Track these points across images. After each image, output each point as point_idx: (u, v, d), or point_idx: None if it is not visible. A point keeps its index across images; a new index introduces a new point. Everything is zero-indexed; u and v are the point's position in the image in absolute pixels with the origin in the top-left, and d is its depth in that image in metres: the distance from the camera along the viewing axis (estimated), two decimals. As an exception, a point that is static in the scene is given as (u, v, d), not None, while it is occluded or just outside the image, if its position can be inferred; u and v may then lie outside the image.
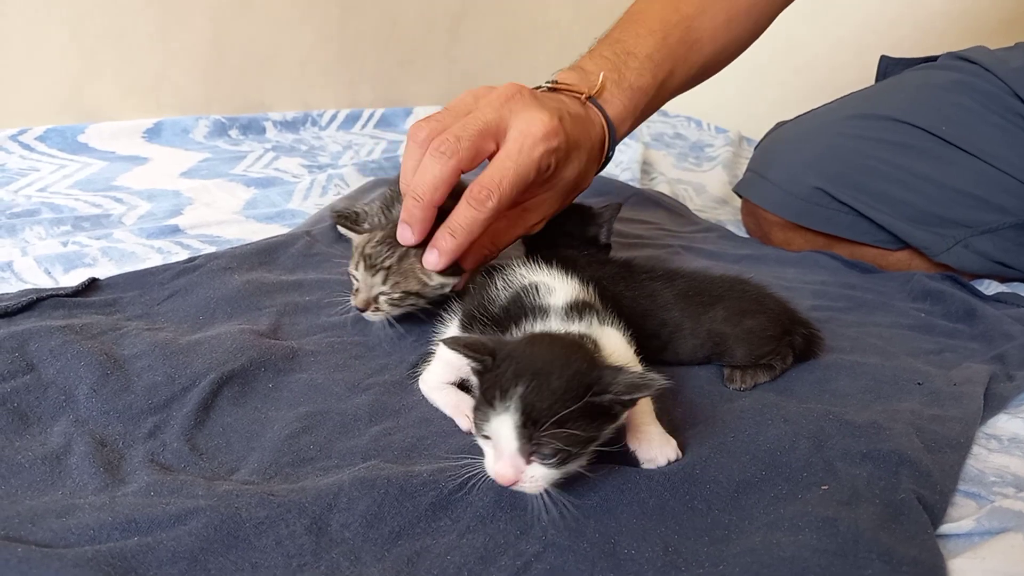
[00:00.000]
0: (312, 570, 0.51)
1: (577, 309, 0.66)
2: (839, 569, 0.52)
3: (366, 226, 0.90)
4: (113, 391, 0.67)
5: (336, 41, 1.79)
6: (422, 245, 0.77)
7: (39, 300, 0.77)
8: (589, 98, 0.88)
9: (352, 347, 0.80)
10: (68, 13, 1.39)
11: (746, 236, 1.37)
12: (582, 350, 0.58)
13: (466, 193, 0.73)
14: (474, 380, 0.60)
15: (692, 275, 0.86)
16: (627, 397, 0.55)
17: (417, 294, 0.80)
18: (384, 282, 0.79)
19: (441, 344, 0.73)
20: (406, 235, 0.76)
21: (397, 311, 0.81)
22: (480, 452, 0.64)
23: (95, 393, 0.66)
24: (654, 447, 0.64)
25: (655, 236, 1.24)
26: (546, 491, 0.56)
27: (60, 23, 1.38)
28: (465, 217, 0.73)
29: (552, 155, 0.76)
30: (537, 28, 2.20)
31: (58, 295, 0.79)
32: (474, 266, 0.81)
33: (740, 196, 1.39)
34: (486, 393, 0.55)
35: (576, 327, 0.64)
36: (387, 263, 0.79)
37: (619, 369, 0.56)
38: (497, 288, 0.71)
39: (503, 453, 0.54)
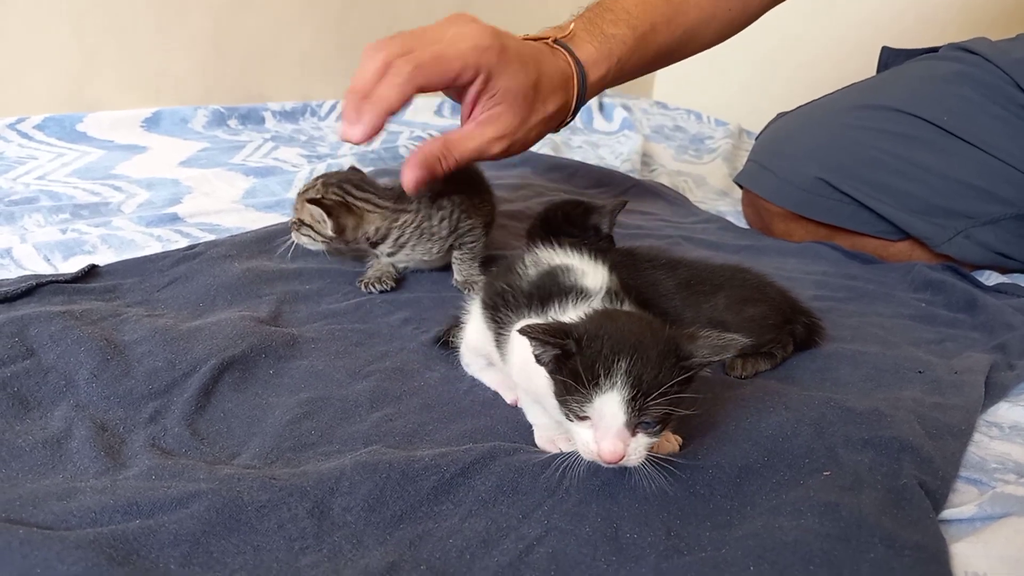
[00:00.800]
0: (314, 553, 0.51)
1: (614, 295, 0.66)
2: (842, 553, 0.51)
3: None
4: (113, 376, 0.66)
5: (336, 35, 1.78)
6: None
7: (39, 286, 0.77)
8: (556, 41, 0.94)
9: (352, 334, 0.80)
10: (70, 5, 1.39)
11: (747, 227, 1.36)
12: (655, 321, 0.59)
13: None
14: (526, 365, 0.60)
15: (694, 264, 0.85)
16: (714, 359, 0.56)
17: (311, 227, 0.90)
18: (293, 208, 0.93)
19: (470, 323, 0.73)
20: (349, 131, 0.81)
21: (304, 240, 0.92)
22: (482, 436, 0.64)
23: (95, 378, 0.66)
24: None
25: (655, 227, 1.24)
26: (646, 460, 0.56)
27: (62, 15, 1.38)
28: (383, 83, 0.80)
29: (480, 53, 0.83)
30: (536, 21, 2.18)
31: (58, 281, 0.78)
32: (426, 177, 0.85)
33: (741, 187, 1.38)
34: (584, 375, 0.54)
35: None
36: (297, 193, 0.93)
37: (692, 335, 0.57)
38: (525, 265, 0.71)
39: (609, 430, 0.54)
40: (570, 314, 0.63)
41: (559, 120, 0.97)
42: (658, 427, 0.55)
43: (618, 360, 0.54)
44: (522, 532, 0.54)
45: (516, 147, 0.91)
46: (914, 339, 0.91)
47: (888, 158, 1.20)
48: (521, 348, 0.60)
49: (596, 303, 0.64)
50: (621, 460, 0.55)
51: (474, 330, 0.73)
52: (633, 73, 1.05)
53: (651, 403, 0.53)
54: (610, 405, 0.54)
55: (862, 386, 0.78)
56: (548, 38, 0.93)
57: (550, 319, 0.64)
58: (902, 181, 1.18)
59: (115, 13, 1.44)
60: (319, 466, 0.58)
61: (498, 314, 0.68)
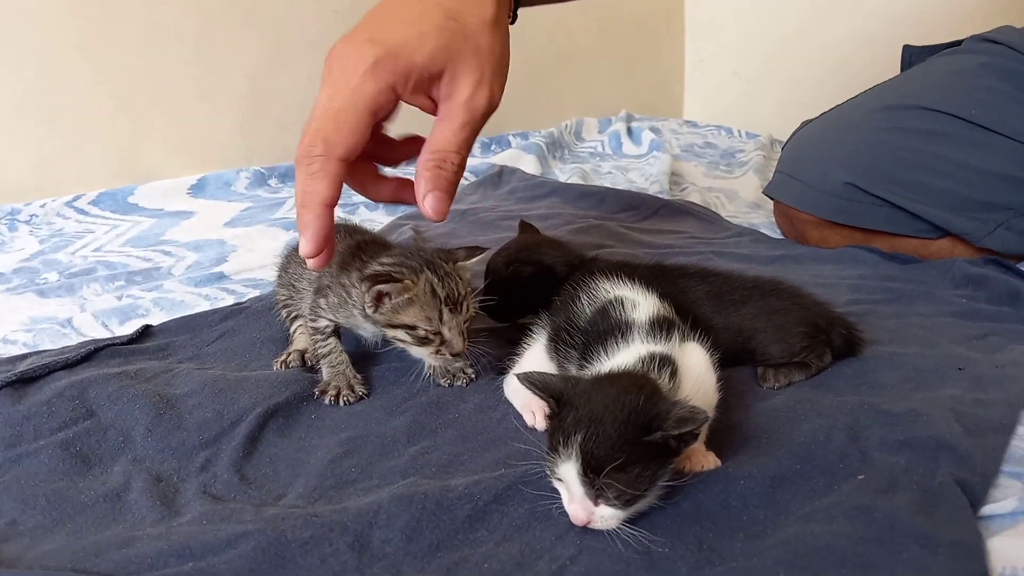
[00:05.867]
0: (356, 585, 0.53)
1: (661, 325, 0.68)
2: (875, 555, 0.51)
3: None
4: (167, 429, 0.71)
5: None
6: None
7: (97, 350, 0.82)
8: None
9: (389, 373, 0.83)
10: (116, 84, 1.49)
11: (781, 238, 1.36)
12: (641, 389, 0.58)
13: None
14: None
15: (725, 274, 0.86)
16: (676, 432, 0.56)
17: None
18: None
19: (531, 350, 0.77)
20: None
21: None
22: (515, 462, 0.66)
23: (150, 433, 0.70)
24: (694, 462, 0.64)
25: (686, 244, 1.25)
26: (617, 528, 0.56)
27: (109, 95, 1.48)
28: None
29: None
30: (562, 55, 2.24)
31: (114, 344, 0.84)
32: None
33: (771, 198, 1.38)
34: (552, 439, 0.58)
35: (660, 346, 0.66)
36: None
37: (675, 403, 0.58)
38: (582, 303, 0.74)
39: (573, 496, 0.57)
40: (616, 358, 0.65)
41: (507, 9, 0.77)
42: (620, 501, 0.55)
43: (575, 432, 0.55)
44: (556, 553, 0.55)
45: (498, 82, 0.73)
46: (956, 336, 0.89)
47: (919, 157, 1.18)
48: None
49: (640, 337, 0.66)
50: (588, 524, 0.56)
51: (534, 360, 0.76)
52: None
53: (604, 479, 0.54)
54: (569, 474, 0.56)
55: (901, 388, 0.77)
56: None
57: (596, 363, 0.67)
58: (935, 179, 1.17)
59: (158, 84, 1.54)
60: (359, 501, 0.61)
61: (559, 347, 0.72)
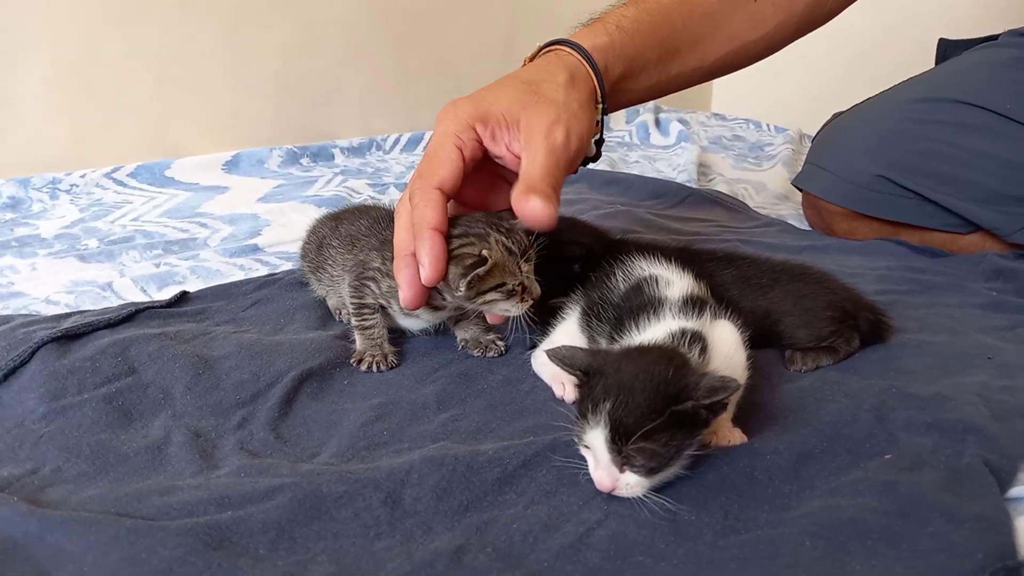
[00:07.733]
0: (388, 538, 0.55)
1: (693, 303, 0.69)
2: (900, 528, 0.52)
3: None
4: (205, 388, 0.73)
5: (393, 71, 1.87)
6: None
7: (138, 312, 0.85)
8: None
9: (419, 345, 0.84)
10: (151, 62, 1.52)
11: (808, 229, 1.35)
12: (671, 361, 0.59)
13: None
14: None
15: (752, 258, 0.87)
16: (707, 400, 0.56)
17: None
18: None
19: (564, 324, 0.78)
20: None
21: None
22: (543, 431, 0.67)
23: (189, 391, 0.72)
24: (720, 436, 0.65)
25: (712, 233, 1.25)
26: (643, 496, 0.57)
27: (144, 71, 1.51)
28: None
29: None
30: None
31: (154, 307, 0.86)
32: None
33: (800, 189, 1.38)
34: (581, 406, 0.59)
35: (691, 323, 0.67)
36: None
37: (704, 375, 0.58)
38: (617, 279, 0.75)
39: (600, 463, 0.58)
40: (646, 332, 0.66)
41: (590, 97, 0.82)
42: (647, 469, 0.56)
43: (605, 400, 0.57)
44: (583, 517, 0.57)
45: (575, 128, 0.76)
46: (984, 327, 0.89)
47: (950, 150, 1.17)
48: None
49: (671, 313, 0.67)
50: (613, 491, 0.57)
51: (566, 334, 0.77)
52: (651, 46, 0.90)
53: (632, 447, 0.55)
54: (597, 441, 0.57)
55: (928, 373, 0.77)
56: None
57: (627, 337, 0.68)
58: (967, 172, 1.16)
59: (191, 62, 1.57)
60: (391, 461, 0.62)
61: (591, 321, 0.74)
